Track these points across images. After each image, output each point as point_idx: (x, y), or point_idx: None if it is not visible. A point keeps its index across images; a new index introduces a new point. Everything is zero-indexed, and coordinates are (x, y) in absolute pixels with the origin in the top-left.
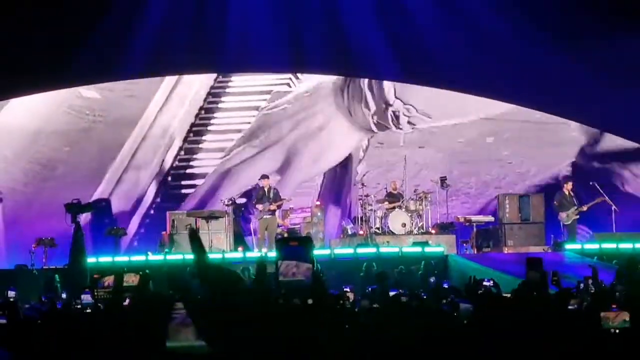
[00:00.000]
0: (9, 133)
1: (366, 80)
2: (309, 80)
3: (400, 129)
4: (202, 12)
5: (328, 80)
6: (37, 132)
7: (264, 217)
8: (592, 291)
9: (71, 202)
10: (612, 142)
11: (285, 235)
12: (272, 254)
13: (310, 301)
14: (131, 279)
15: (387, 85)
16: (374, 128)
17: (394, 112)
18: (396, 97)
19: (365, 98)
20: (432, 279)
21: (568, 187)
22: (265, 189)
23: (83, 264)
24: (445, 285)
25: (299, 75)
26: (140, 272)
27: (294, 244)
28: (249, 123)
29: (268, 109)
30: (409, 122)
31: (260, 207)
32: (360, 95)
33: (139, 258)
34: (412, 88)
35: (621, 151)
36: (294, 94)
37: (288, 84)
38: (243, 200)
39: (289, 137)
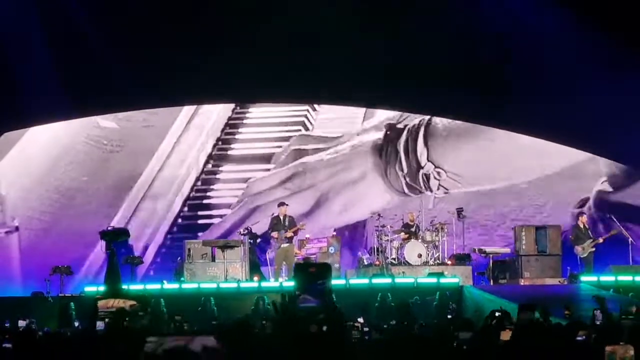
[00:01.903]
0: (28, 161)
1: (402, 143)
2: (350, 138)
3: (431, 191)
4: (217, 42)
5: (368, 140)
6: (55, 161)
7: (282, 245)
8: (598, 322)
9: (106, 229)
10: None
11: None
12: (290, 283)
13: (325, 328)
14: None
15: (420, 147)
16: (406, 190)
17: (425, 174)
18: (428, 160)
19: (400, 159)
20: (450, 308)
21: (583, 220)
22: (281, 217)
23: (119, 292)
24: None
25: (316, 106)
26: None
27: (313, 271)
28: (272, 152)
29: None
30: (440, 186)
31: (275, 234)
32: (396, 157)
33: (154, 287)
34: (444, 152)
35: None
36: (335, 147)
37: (305, 116)
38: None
39: (324, 184)
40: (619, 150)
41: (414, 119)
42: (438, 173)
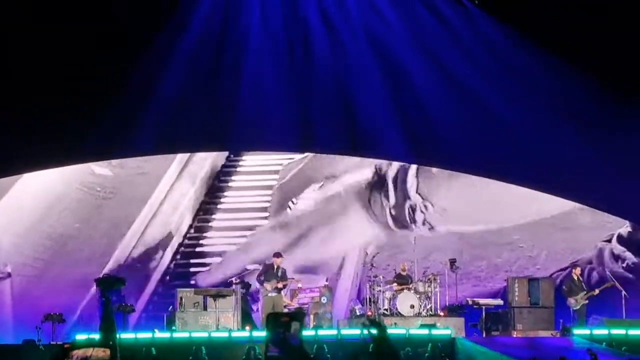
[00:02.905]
0: (21, 208)
1: (392, 174)
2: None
3: (415, 225)
4: (214, 90)
5: (358, 177)
6: (48, 208)
7: (269, 294)
8: None
9: (101, 276)
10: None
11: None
12: None
13: None
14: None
15: (411, 180)
16: (390, 223)
17: (411, 206)
18: (417, 193)
19: (387, 189)
20: None
21: (577, 272)
22: (275, 267)
23: (114, 341)
24: None
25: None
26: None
27: (285, 320)
28: (267, 202)
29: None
30: (424, 221)
31: (267, 285)
32: (383, 187)
33: (145, 335)
34: (434, 188)
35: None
36: (321, 181)
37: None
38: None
39: (305, 215)
40: (610, 201)
41: None
42: (425, 207)
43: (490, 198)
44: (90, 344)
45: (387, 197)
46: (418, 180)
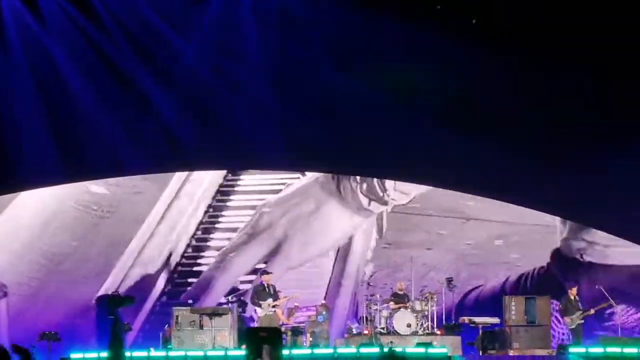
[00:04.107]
0: (17, 227)
1: None
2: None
3: (388, 195)
4: (209, 109)
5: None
6: (44, 226)
7: (267, 313)
8: None
9: (110, 294)
10: None
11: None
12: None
13: None
14: None
15: None
16: (364, 203)
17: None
18: None
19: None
20: None
21: (573, 292)
22: (266, 285)
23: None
24: None
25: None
26: None
27: (263, 335)
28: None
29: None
30: (395, 189)
31: (264, 305)
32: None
33: (141, 354)
34: None
35: None
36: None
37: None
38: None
39: (280, 222)
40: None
41: None
42: None
43: None
44: None
45: (355, 177)
46: None
